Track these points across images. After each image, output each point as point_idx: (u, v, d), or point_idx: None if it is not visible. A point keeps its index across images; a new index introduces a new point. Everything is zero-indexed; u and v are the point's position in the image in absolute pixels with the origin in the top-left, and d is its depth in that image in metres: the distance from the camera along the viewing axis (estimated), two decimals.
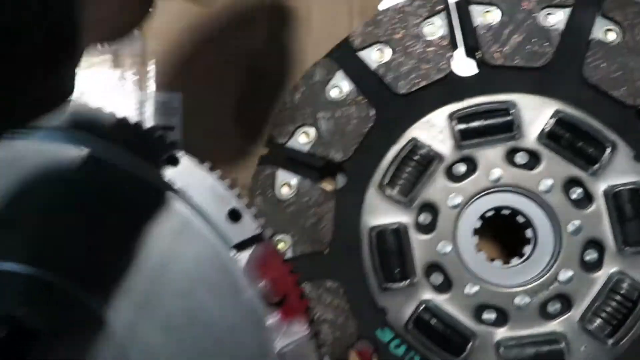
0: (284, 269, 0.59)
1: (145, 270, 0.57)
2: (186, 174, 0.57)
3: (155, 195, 0.58)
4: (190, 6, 0.67)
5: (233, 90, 0.69)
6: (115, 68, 0.65)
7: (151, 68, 0.67)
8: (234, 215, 0.56)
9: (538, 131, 0.62)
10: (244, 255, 0.58)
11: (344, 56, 0.66)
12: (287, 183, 0.65)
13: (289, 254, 0.64)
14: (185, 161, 0.57)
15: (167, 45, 0.67)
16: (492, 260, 0.62)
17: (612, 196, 0.61)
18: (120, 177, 0.57)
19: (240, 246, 0.58)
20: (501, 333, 0.60)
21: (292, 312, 0.58)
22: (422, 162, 0.63)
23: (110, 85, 0.66)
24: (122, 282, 0.57)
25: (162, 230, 0.57)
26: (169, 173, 0.57)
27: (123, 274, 0.57)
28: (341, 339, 0.62)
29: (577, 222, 0.60)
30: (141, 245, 0.57)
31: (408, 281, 0.61)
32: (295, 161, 0.65)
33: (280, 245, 0.64)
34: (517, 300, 0.60)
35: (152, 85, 0.67)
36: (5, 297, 0.55)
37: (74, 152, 0.57)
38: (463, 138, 0.62)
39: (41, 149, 0.57)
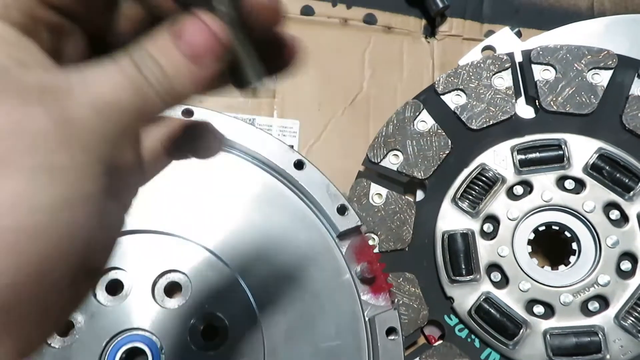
0: (374, 256, 0.76)
1: (272, 247, 0.75)
2: (308, 176, 0.76)
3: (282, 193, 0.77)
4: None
5: (340, 119, 0.89)
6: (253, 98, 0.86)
7: (278, 99, 0.88)
8: (342, 210, 0.74)
9: (583, 163, 0.77)
10: (345, 243, 0.76)
11: (429, 98, 0.84)
12: (378, 193, 0.82)
13: (376, 250, 0.81)
14: (309, 167, 0.76)
15: (290, 82, 0.88)
16: (543, 266, 0.76)
17: None
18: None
19: (344, 235, 0.75)
20: (548, 324, 0.73)
21: (380, 289, 0.75)
22: (488, 183, 0.79)
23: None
24: (256, 260, 0.74)
25: (285, 218, 0.76)
26: (296, 174, 0.76)
27: (257, 255, 0.75)
28: (414, 320, 0.77)
29: (614, 237, 0.74)
30: (269, 229, 0.76)
31: (472, 276, 0.76)
32: (385, 177, 0.83)
33: (370, 242, 0.81)
34: (562, 298, 0.73)
35: (277, 113, 0.88)
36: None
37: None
38: (522, 165, 0.78)
39: None
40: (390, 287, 0.74)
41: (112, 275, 0.71)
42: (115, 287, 0.71)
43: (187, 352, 0.69)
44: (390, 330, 0.71)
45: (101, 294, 0.70)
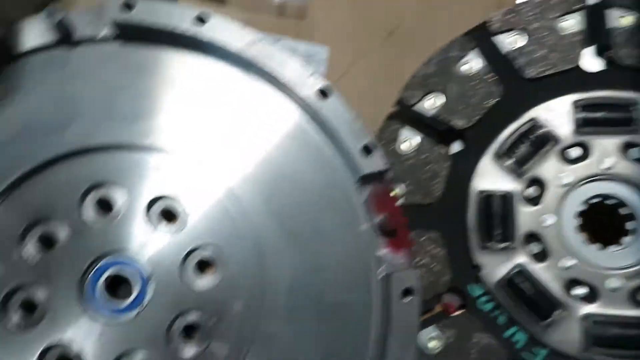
0: (398, 208, 0.66)
1: (284, 184, 0.65)
2: (333, 107, 0.66)
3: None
4: None
5: (374, 53, 0.78)
6: (279, 16, 0.75)
7: (307, 21, 0.77)
8: (367, 150, 0.64)
9: None
10: (367, 189, 0.66)
11: (480, 38, 0.72)
12: (408, 140, 0.72)
13: (400, 202, 0.71)
14: (334, 96, 0.66)
15: (324, 2, 0.76)
16: (591, 243, 0.66)
17: None
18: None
19: (366, 179, 0.65)
20: (589, 308, 0.64)
21: (400, 245, 0.65)
22: (538, 141, 0.68)
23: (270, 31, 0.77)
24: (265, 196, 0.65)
25: (303, 153, 0.66)
26: (319, 104, 0.65)
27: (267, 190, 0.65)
28: (434, 285, 0.68)
29: None
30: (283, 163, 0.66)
31: (507, 244, 0.66)
32: (419, 122, 0.72)
33: (397, 192, 0.71)
34: (610, 282, 0.63)
35: (305, 36, 0.77)
36: None
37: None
38: (582, 125, 0.67)
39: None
40: (412, 244, 0.65)
41: (106, 190, 0.62)
42: (107, 205, 0.62)
43: (177, 286, 0.60)
44: (407, 292, 0.62)
45: (91, 210, 0.61)
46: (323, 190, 0.65)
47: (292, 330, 0.61)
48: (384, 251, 0.64)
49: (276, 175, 0.65)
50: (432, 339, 0.66)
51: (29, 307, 0.58)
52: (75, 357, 0.57)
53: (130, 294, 0.60)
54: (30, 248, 0.59)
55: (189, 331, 0.60)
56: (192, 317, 0.60)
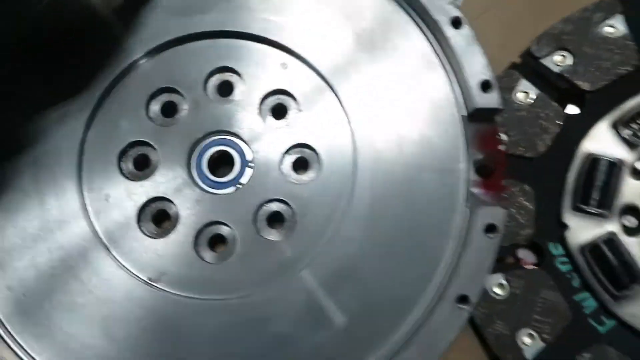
0: (501, 152, 0.67)
1: (394, 103, 0.69)
2: (463, 39, 0.66)
3: None
4: None
5: (510, 1, 0.78)
6: None
7: None
8: (486, 85, 0.65)
9: None
10: (474, 126, 0.68)
11: (628, 3, 0.70)
12: (526, 92, 0.72)
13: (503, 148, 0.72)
14: (466, 28, 0.66)
15: None
16: None
17: None
18: None
19: (478, 115, 0.67)
20: None
21: (493, 187, 0.66)
22: None
23: None
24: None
25: (420, 75, 0.68)
26: (450, 33, 0.67)
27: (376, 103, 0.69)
28: (514, 235, 0.69)
29: None
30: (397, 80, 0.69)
31: (603, 211, 0.66)
32: (541, 77, 0.72)
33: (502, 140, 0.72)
34: None
35: None
36: None
37: None
38: None
39: None
40: (504, 189, 0.66)
41: (230, 75, 0.69)
42: (228, 88, 0.70)
43: (273, 175, 0.67)
44: (490, 228, 0.63)
45: (212, 89, 0.69)
46: (430, 115, 0.68)
47: (368, 238, 0.65)
48: (476, 190, 0.66)
49: (388, 92, 0.69)
50: (499, 286, 0.68)
51: (143, 162, 0.68)
52: (173, 214, 0.66)
53: (230, 172, 0.68)
54: (155, 110, 0.68)
55: (276, 218, 0.67)
56: (281, 206, 0.67)
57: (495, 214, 0.64)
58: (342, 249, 0.65)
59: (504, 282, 0.68)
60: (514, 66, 0.74)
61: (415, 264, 0.65)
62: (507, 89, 0.73)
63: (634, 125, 0.67)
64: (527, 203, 0.70)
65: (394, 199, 0.66)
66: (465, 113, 0.67)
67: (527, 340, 0.65)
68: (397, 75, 0.68)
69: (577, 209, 0.67)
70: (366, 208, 0.66)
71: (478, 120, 0.68)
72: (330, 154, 0.68)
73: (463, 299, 0.62)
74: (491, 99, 0.65)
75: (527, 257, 0.70)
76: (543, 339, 0.65)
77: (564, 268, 0.67)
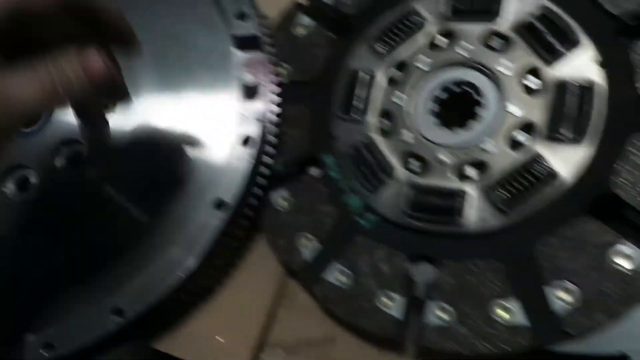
0: (271, 77, 0.74)
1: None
2: None
3: None
4: None
5: None
6: None
7: None
8: (242, 15, 0.74)
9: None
10: (244, 53, 0.75)
11: None
12: (303, 25, 0.79)
13: (285, 80, 0.78)
14: None
15: None
16: (441, 125, 0.68)
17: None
18: None
19: (240, 42, 0.74)
20: (419, 179, 0.66)
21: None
22: (407, 28, 0.72)
23: None
24: None
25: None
26: None
27: None
28: (295, 152, 0.74)
29: (519, 105, 0.63)
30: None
31: (360, 117, 0.71)
32: (319, 11, 0.79)
33: (281, 70, 0.79)
34: (441, 156, 0.65)
35: None
36: None
37: None
38: (451, 13, 0.70)
39: None
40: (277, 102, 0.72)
41: None
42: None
43: None
44: (246, 141, 0.70)
45: None
46: (203, 47, 0.76)
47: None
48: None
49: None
50: (283, 199, 0.73)
51: None
52: None
53: None
54: None
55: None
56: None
57: (252, 129, 0.71)
58: None
59: (286, 194, 0.73)
60: (298, 6, 0.81)
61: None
62: (288, 25, 0.80)
63: (385, 40, 0.73)
64: (303, 123, 0.75)
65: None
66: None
67: (304, 242, 0.69)
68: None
69: (341, 118, 0.72)
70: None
71: (246, 48, 0.75)
72: None
73: (220, 204, 0.68)
74: (247, 27, 0.73)
75: (314, 172, 0.74)
76: (318, 241, 0.69)
77: (334, 174, 0.71)
